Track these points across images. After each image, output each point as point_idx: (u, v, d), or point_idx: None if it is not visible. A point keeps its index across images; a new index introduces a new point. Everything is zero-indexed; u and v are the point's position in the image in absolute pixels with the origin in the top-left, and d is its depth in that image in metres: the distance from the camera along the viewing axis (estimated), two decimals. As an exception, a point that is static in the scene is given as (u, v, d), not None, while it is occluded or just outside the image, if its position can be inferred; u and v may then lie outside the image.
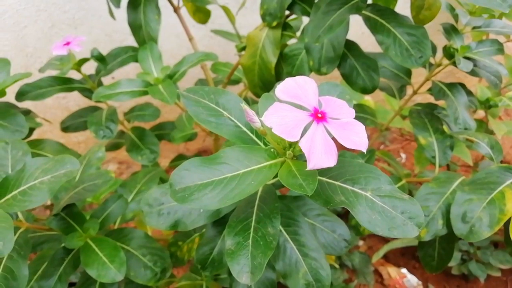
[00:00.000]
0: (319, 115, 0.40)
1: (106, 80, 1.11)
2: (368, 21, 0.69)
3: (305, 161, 0.43)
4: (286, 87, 0.41)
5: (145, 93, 0.90)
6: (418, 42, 0.66)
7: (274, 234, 0.44)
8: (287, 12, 0.85)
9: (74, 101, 1.54)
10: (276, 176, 0.44)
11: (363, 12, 0.69)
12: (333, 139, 0.40)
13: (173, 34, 1.42)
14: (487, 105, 1.29)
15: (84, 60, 0.96)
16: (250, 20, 1.43)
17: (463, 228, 0.62)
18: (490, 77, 0.92)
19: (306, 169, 0.38)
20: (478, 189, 0.64)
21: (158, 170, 0.92)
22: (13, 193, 0.58)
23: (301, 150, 0.43)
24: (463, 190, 0.65)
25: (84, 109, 1.10)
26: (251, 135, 0.48)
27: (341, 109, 0.42)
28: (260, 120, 0.40)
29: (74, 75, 1.04)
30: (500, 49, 0.90)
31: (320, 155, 0.38)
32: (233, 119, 0.48)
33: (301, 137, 0.38)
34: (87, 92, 1.04)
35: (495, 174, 0.66)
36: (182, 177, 0.43)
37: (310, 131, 0.39)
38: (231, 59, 1.34)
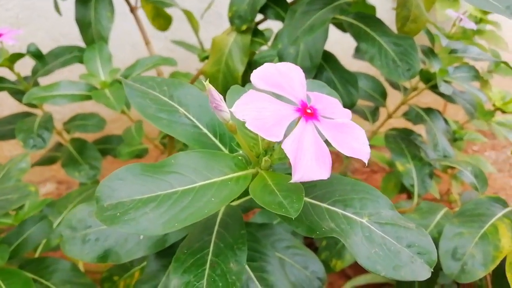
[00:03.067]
0: (309, 111, 0.29)
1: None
2: (351, 28, 0.62)
3: (286, 173, 0.33)
4: (265, 73, 0.31)
5: (87, 97, 0.77)
6: (405, 53, 0.59)
7: (238, 272, 0.33)
8: (259, 18, 0.76)
9: (10, 109, 1.36)
10: (243, 194, 0.33)
11: (346, 18, 0.62)
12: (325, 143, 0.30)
13: (129, 43, 1.30)
14: (452, 137, 1.27)
15: (18, 56, 0.82)
16: (213, 34, 1.35)
17: (453, 266, 0.53)
18: (466, 104, 0.88)
19: (290, 182, 0.27)
20: (468, 222, 0.57)
21: (97, 189, 0.77)
22: None
23: (280, 159, 0.32)
24: (452, 223, 0.57)
25: (15, 115, 0.94)
26: (213, 139, 0.37)
27: (334, 108, 0.32)
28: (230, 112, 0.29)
29: (5, 73, 0.89)
30: (476, 76, 0.86)
31: (310, 162, 0.27)
32: (190, 117, 0.37)
33: (285, 137, 0.28)
34: (20, 95, 0.88)
35: (485, 205, 0.59)
36: (114, 189, 0.31)
37: (297, 130, 0.28)
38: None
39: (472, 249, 0.54)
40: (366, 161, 0.29)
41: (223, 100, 0.30)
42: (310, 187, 0.35)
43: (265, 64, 0.32)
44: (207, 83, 0.29)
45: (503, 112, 1.14)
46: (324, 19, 0.55)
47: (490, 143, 1.91)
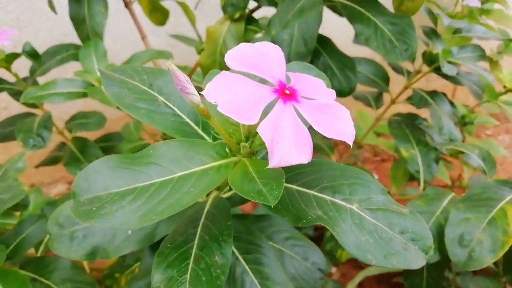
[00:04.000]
0: (287, 91, 0.28)
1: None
2: (345, 9, 0.59)
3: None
4: (241, 54, 0.29)
5: (84, 95, 0.76)
6: (402, 33, 0.56)
7: (223, 265, 0.31)
8: (253, 6, 0.74)
9: (17, 111, 1.37)
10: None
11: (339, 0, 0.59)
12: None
13: (130, 39, 1.29)
14: (462, 122, 1.23)
15: (14, 56, 0.81)
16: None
17: (461, 253, 0.51)
18: (473, 86, 0.84)
19: (268, 167, 0.25)
20: (475, 207, 0.54)
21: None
22: None
23: (261, 144, 0.31)
24: (457, 208, 0.54)
25: (16, 116, 0.94)
26: (195, 127, 0.35)
27: (316, 88, 0.30)
28: (201, 95, 0.27)
29: (4, 75, 0.89)
30: (482, 55, 0.83)
31: (288, 146, 0.26)
32: (171, 105, 0.35)
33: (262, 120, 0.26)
34: (19, 96, 0.88)
35: (492, 189, 0.56)
36: (90, 183, 0.30)
37: (274, 112, 0.26)
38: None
39: (480, 234, 0.52)
40: (350, 143, 0.28)
41: (190, 82, 0.29)
42: (297, 173, 0.33)
43: (242, 44, 0.30)
44: (169, 63, 0.27)
45: (515, 94, 1.09)
46: (315, 1, 0.53)
47: (503, 126, 1.85)
